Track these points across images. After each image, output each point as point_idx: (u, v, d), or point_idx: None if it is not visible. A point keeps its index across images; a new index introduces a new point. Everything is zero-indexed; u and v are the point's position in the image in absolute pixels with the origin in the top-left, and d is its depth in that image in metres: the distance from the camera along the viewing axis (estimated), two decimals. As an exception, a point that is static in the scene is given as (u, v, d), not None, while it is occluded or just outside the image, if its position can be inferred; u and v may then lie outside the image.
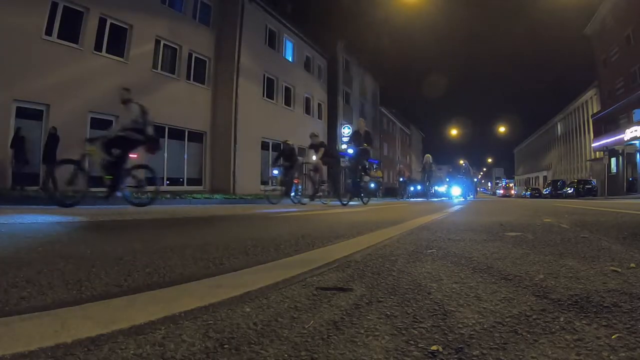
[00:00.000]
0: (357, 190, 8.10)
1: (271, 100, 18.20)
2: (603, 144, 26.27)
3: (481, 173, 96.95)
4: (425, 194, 15.74)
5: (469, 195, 16.84)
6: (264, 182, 17.23)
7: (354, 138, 8.47)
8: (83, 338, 0.62)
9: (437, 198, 18.83)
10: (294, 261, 1.38)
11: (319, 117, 23.56)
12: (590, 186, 24.39)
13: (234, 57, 15.35)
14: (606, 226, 2.78)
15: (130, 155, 5.38)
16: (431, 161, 15.70)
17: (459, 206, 7.71)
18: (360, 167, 8.06)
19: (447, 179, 19.49)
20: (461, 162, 17.90)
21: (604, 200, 13.58)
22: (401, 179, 18.99)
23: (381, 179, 19.40)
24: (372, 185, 16.82)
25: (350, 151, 8.34)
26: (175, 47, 13.85)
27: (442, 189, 21.92)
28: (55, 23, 10.10)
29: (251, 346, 0.62)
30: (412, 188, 22.28)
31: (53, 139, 9.24)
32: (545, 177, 51.15)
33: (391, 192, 23.16)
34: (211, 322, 0.72)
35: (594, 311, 0.79)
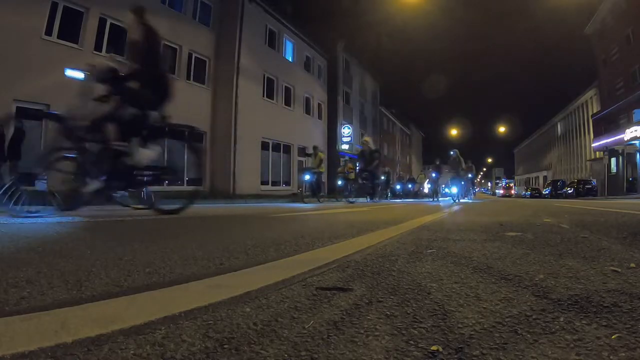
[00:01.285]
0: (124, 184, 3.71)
1: (271, 100, 18.20)
2: (603, 144, 26.28)
3: (481, 173, 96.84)
4: (369, 191, 10.87)
5: (463, 197, 12.76)
6: (263, 182, 17.24)
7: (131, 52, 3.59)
8: (83, 338, 0.62)
9: (407, 199, 16.03)
10: (293, 261, 1.38)
11: (319, 117, 23.56)
12: (590, 186, 24.41)
13: (234, 57, 15.36)
14: (606, 226, 2.78)
15: None
16: (372, 147, 10.81)
17: (458, 206, 7.70)
18: (113, 130, 3.42)
19: (433, 175, 15.23)
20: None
21: (604, 200, 13.58)
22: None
23: (352, 173, 15.41)
24: (340, 182, 13.11)
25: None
26: (175, 47, 13.84)
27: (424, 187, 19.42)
28: (55, 23, 10.11)
29: (251, 346, 0.62)
30: (398, 187, 20.43)
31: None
32: (545, 177, 51.17)
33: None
34: (211, 322, 0.72)
35: (594, 311, 0.79)
